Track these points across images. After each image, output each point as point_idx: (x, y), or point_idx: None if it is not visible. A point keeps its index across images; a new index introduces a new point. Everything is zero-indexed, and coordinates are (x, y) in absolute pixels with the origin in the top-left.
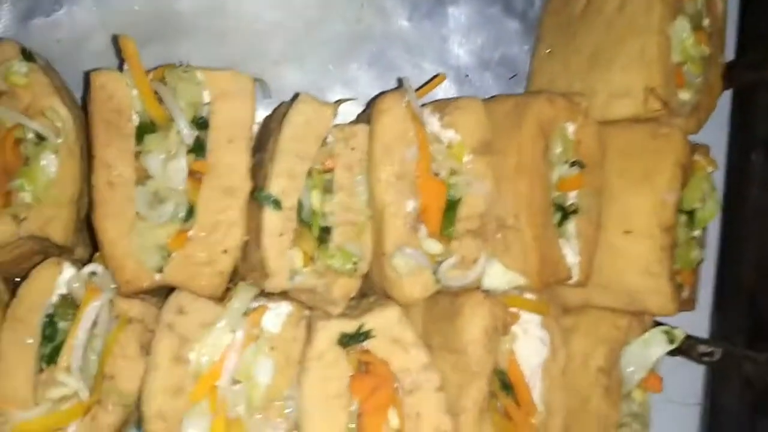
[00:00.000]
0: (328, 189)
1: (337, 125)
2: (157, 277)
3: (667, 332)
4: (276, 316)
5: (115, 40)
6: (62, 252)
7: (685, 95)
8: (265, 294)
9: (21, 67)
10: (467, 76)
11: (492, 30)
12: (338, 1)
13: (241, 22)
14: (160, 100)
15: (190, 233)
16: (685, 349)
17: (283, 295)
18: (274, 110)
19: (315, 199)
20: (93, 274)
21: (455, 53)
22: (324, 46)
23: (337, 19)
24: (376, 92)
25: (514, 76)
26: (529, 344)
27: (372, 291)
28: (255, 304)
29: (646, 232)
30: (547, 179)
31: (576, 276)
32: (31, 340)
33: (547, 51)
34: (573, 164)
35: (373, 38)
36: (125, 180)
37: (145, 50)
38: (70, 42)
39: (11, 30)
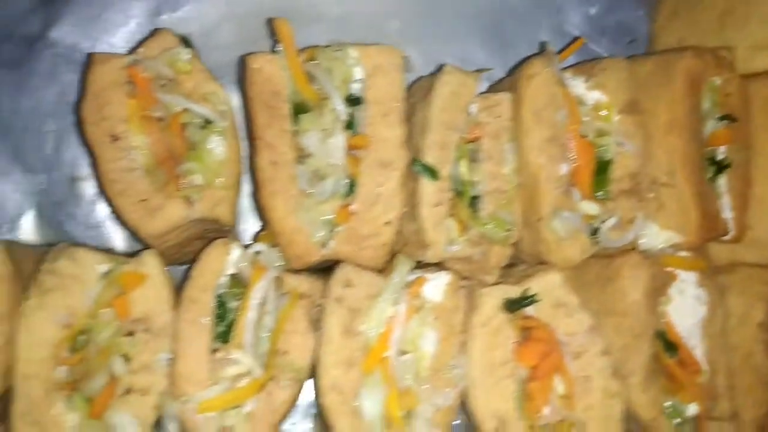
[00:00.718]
0: (473, 158)
1: (480, 95)
2: (325, 250)
3: None
4: (436, 286)
5: (270, 23)
6: (222, 235)
7: None
8: (420, 265)
9: (185, 54)
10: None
11: None
12: None
13: (361, 6)
14: (310, 80)
15: (353, 207)
16: None
17: (438, 265)
18: (412, 84)
19: (464, 168)
20: (258, 253)
21: (571, 22)
22: (440, 24)
23: None
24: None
25: (633, 40)
26: (685, 304)
27: (518, 260)
28: (413, 276)
29: None
30: (700, 134)
31: (732, 231)
32: (205, 321)
33: (672, 12)
34: (722, 118)
35: (489, 13)
36: (287, 159)
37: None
38: (199, 36)
39: (143, 26)
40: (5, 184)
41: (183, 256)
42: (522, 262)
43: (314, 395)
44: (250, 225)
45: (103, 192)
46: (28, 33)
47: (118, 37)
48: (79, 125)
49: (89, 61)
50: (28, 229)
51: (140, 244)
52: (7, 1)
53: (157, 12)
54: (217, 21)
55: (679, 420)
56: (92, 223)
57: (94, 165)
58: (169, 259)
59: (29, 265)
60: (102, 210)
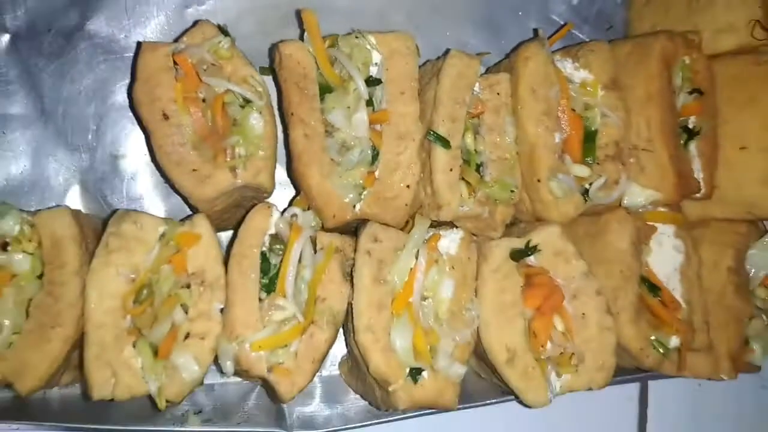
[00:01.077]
0: (477, 131)
1: (481, 75)
2: (356, 210)
3: None
4: (450, 241)
5: (298, 14)
6: (259, 202)
7: None
8: (436, 224)
9: (226, 42)
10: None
11: None
12: None
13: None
14: (333, 64)
15: (377, 173)
16: None
17: (451, 224)
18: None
19: (469, 139)
20: (294, 216)
21: (556, 11)
22: (440, 15)
23: None
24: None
25: (611, 27)
26: (664, 253)
27: (518, 220)
28: (430, 233)
29: (760, 145)
30: (674, 105)
31: (703, 189)
32: (253, 274)
33: (645, 1)
34: (692, 92)
35: (482, 4)
36: (317, 133)
37: (292, 27)
38: None
39: (172, 19)
40: (51, 163)
41: (224, 222)
42: (521, 221)
43: (348, 341)
44: (284, 194)
45: (159, 164)
46: (66, 26)
47: (150, 29)
48: (133, 106)
49: (139, 49)
50: (74, 204)
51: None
52: None
53: (185, 5)
54: (238, 13)
55: (663, 350)
56: (133, 196)
57: (149, 141)
58: (213, 225)
59: (87, 230)
60: (142, 184)
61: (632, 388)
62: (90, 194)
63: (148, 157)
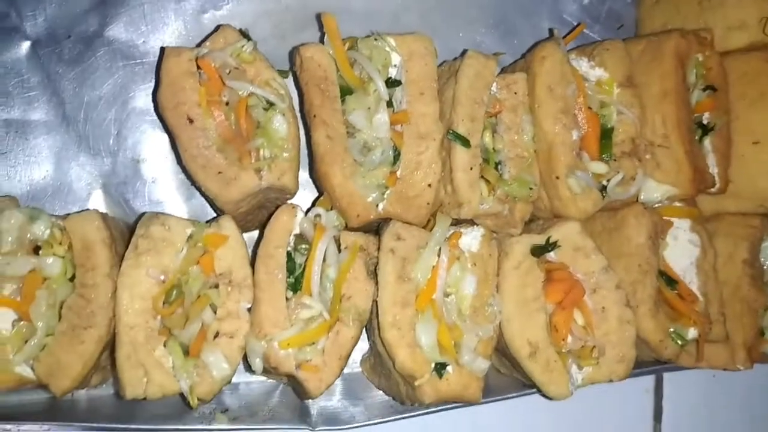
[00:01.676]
0: (495, 130)
1: (498, 75)
2: (380, 210)
3: None
4: (472, 238)
5: (318, 17)
6: (282, 203)
7: None
8: (457, 222)
9: (248, 46)
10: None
11: None
12: None
13: (383, 1)
14: (352, 66)
15: (399, 173)
16: None
17: (471, 221)
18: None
19: (488, 138)
20: (318, 216)
21: (568, 11)
22: (453, 17)
23: None
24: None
25: (621, 26)
26: (680, 247)
27: (536, 217)
28: (451, 231)
29: None
30: (688, 102)
31: (718, 183)
32: (280, 273)
33: (655, 0)
34: (705, 89)
35: (495, 5)
36: (339, 134)
37: (307, 30)
38: None
39: (189, 24)
40: (74, 168)
41: (248, 223)
42: (540, 218)
43: (371, 338)
44: (306, 195)
45: (185, 167)
46: (85, 32)
47: (168, 34)
48: (158, 111)
49: (163, 54)
50: (96, 207)
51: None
52: (67, 3)
53: (202, 10)
54: (254, 17)
55: (681, 342)
56: (155, 200)
57: (175, 145)
58: (239, 225)
59: (115, 233)
60: (163, 188)
61: (648, 380)
62: (112, 198)
63: (169, 161)
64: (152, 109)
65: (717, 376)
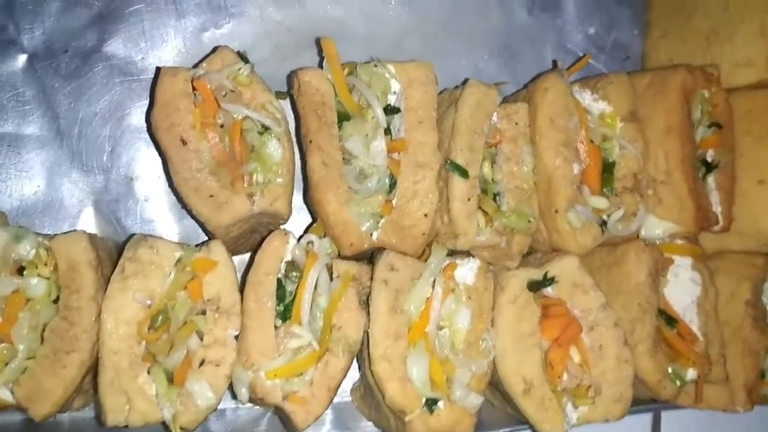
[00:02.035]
0: (494, 160)
1: (499, 104)
2: (374, 239)
3: None
4: (468, 270)
5: (317, 41)
6: (275, 228)
7: None
8: (452, 253)
9: (245, 69)
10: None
11: (604, 18)
12: (466, 2)
13: (385, 25)
14: (351, 92)
15: (394, 201)
16: None
17: (468, 253)
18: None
19: (486, 168)
20: (311, 243)
21: (573, 41)
22: (456, 43)
23: (466, 18)
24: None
25: (627, 57)
26: (681, 285)
27: (534, 249)
28: (446, 262)
29: None
30: (693, 138)
31: (721, 222)
32: (269, 301)
33: (662, 34)
34: (710, 126)
35: (498, 32)
36: (335, 161)
37: (308, 52)
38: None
39: (189, 41)
40: (66, 184)
41: (239, 247)
42: (538, 251)
43: (361, 369)
44: (300, 219)
45: (177, 189)
46: (83, 47)
47: (167, 51)
48: (151, 131)
49: (158, 74)
50: (87, 225)
51: (200, 239)
52: (65, 17)
53: (202, 29)
54: (255, 38)
55: (679, 382)
56: (147, 219)
57: (166, 166)
58: (228, 250)
59: (103, 254)
60: (155, 207)
61: (646, 418)
62: (104, 216)
63: (162, 180)
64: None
65: (716, 416)
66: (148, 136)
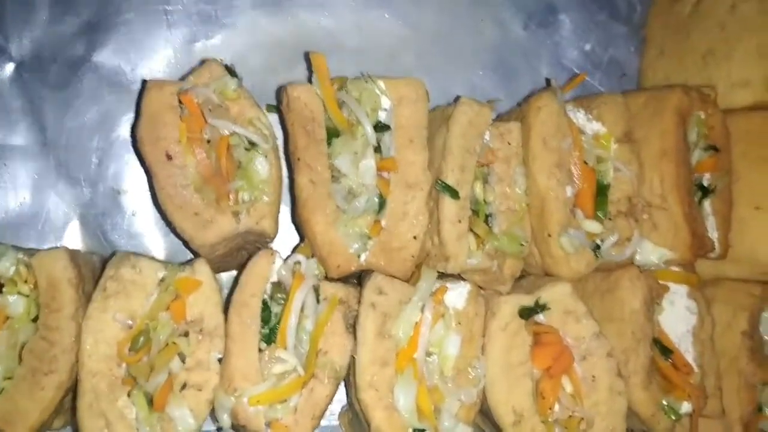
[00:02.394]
0: (486, 180)
1: (492, 123)
2: (362, 261)
3: None
4: (458, 294)
5: (307, 56)
6: (261, 246)
7: None
8: (442, 276)
9: (232, 83)
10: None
11: (600, 34)
12: (461, 16)
13: (378, 39)
14: (341, 108)
15: (383, 222)
16: None
17: (458, 276)
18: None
19: (478, 189)
20: (298, 263)
21: (568, 57)
22: (450, 57)
23: (461, 33)
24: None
25: (624, 75)
26: (676, 314)
27: (526, 273)
28: (436, 286)
29: None
30: (689, 162)
31: (717, 249)
32: (254, 324)
33: (659, 52)
34: (707, 149)
35: (493, 48)
36: (323, 179)
37: (300, 65)
38: (228, 62)
39: (180, 52)
40: (51, 196)
41: (225, 265)
42: (530, 274)
43: (349, 394)
44: (287, 238)
45: (160, 206)
46: (72, 56)
47: (157, 62)
48: (136, 145)
49: (144, 87)
50: (73, 239)
51: (188, 254)
52: (55, 26)
53: (193, 40)
54: (246, 49)
55: (674, 416)
56: (134, 233)
57: (151, 181)
58: (214, 267)
59: (85, 271)
60: (142, 221)
61: None
62: (89, 229)
63: (150, 194)
64: None
65: None
66: (134, 151)
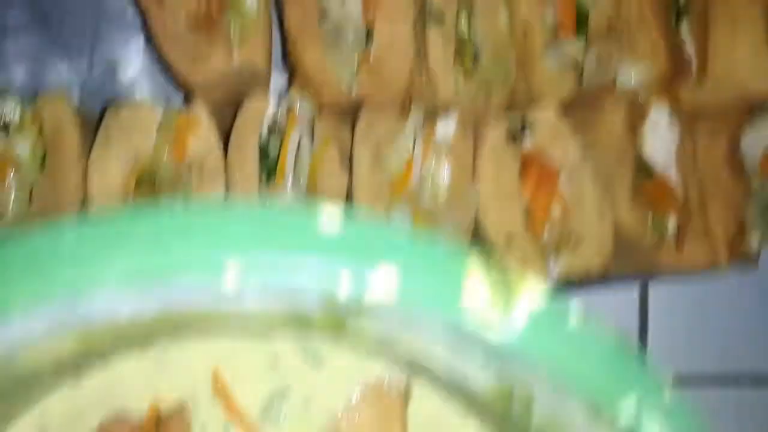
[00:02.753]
0: (470, 14)
1: None
2: (353, 93)
3: None
4: (446, 126)
5: None
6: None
7: None
8: (430, 110)
9: None
10: None
11: None
12: None
13: None
14: None
15: (372, 54)
16: None
17: (445, 109)
18: None
19: (463, 22)
20: (291, 104)
21: None
22: None
23: None
24: None
25: None
26: (659, 135)
27: (513, 107)
28: (425, 119)
29: (750, 21)
30: None
31: (695, 71)
32: (253, 162)
33: None
34: None
35: None
36: (311, 15)
37: None
38: None
39: None
40: (47, 67)
41: (220, 122)
42: (516, 108)
43: None
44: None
45: (157, 48)
46: None
47: None
48: None
49: None
50: None
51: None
52: None
53: None
54: None
55: (661, 231)
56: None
57: (146, 25)
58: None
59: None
60: (139, 92)
61: (633, 297)
62: (88, 99)
63: (145, 63)
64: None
65: (703, 291)
66: (132, 20)
